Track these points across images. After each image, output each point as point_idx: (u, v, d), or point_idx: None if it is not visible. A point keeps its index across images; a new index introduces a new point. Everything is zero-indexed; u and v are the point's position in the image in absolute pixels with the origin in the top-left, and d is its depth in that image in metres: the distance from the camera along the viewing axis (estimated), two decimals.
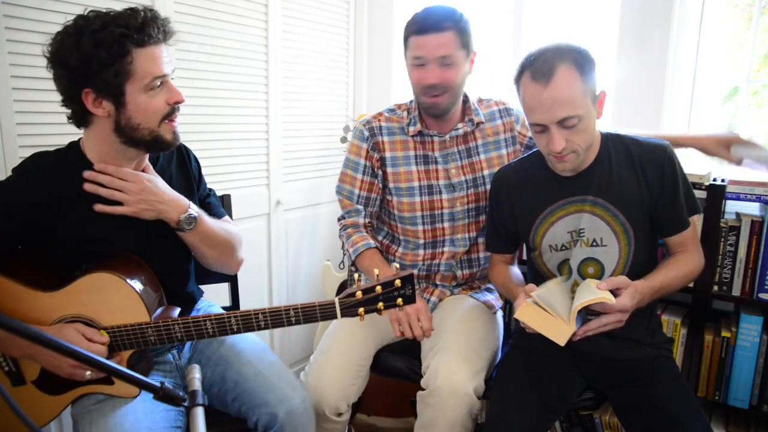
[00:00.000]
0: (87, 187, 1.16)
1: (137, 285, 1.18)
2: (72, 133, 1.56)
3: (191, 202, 1.28)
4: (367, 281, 1.18)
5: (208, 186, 1.48)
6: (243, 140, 2.10)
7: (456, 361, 1.39)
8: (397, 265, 1.21)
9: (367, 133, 1.62)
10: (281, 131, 2.24)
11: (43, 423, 1.23)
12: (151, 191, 1.20)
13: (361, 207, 1.65)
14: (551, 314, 1.18)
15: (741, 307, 1.69)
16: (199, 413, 0.80)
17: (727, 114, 2.10)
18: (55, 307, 1.16)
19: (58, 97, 1.38)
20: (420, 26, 1.45)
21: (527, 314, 1.21)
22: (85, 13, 1.10)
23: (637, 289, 1.22)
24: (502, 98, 1.70)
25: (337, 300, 1.19)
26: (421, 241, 1.64)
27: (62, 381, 1.18)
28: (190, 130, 1.83)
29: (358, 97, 2.61)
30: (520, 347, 1.48)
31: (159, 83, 1.14)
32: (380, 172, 1.63)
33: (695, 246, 1.37)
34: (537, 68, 1.22)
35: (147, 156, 1.28)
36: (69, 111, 1.16)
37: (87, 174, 1.16)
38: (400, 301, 1.19)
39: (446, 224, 1.62)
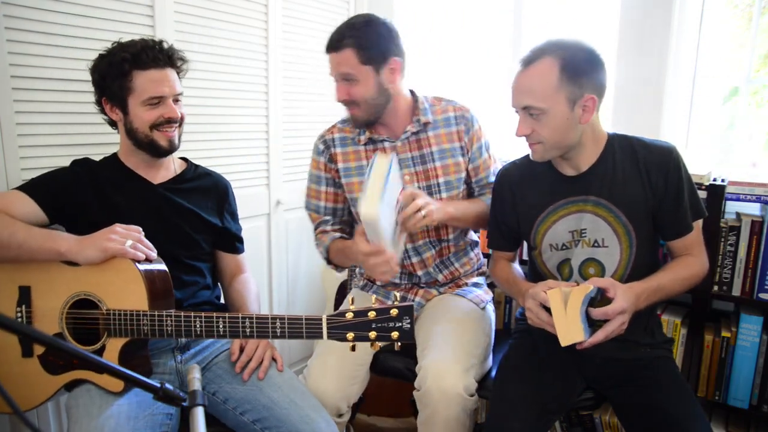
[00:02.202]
0: None
1: (146, 273, 1.21)
2: (72, 133, 1.58)
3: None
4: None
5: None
6: (243, 140, 2.10)
7: (444, 362, 1.39)
8: (398, 294, 1.19)
9: (322, 147, 1.64)
10: (281, 131, 2.24)
11: (37, 401, 1.28)
12: None
13: (329, 217, 1.65)
14: (574, 314, 1.18)
15: (741, 307, 1.69)
16: (199, 413, 0.80)
17: (727, 114, 2.11)
18: (73, 281, 1.24)
19: (57, 97, 1.56)
20: (327, 44, 1.50)
21: (555, 299, 1.19)
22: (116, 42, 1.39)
23: (631, 288, 1.22)
24: (465, 104, 1.65)
25: (324, 318, 1.14)
26: None
27: (60, 362, 1.25)
28: (190, 130, 1.83)
29: None
30: (520, 347, 1.48)
31: (156, 101, 1.35)
32: (341, 183, 1.64)
33: (699, 250, 1.37)
34: (525, 55, 1.28)
35: (165, 163, 1.46)
36: (105, 118, 1.44)
37: None
38: (395, 334, 1.11)
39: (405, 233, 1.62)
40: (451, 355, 1.41)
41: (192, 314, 1.19)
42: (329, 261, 1.64)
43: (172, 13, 1.78)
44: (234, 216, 1.59)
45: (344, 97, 1.50)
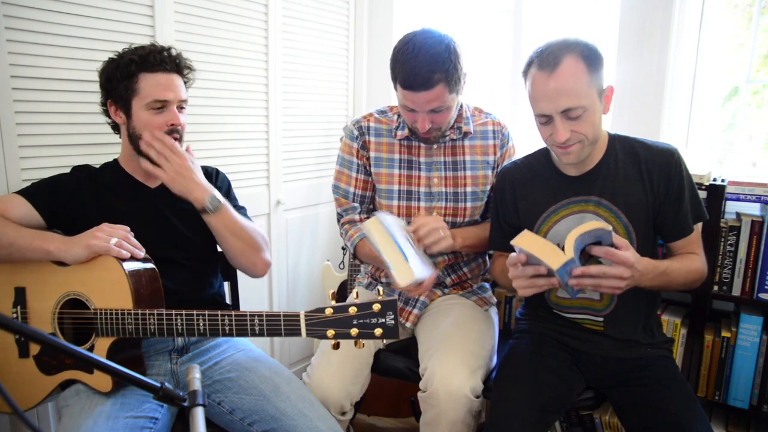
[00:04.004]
0: (142, 145, 1.35)
1: (130, 272, 1.20)
2: (72, 134, 1.58)
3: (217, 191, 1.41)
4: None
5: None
6: (243, 140, 2.10)
7: (452, 364, 1.39)
8: (381, 288, 1.15)
9: (356, 132, 1.64)
10: (281, 131, 2.24)
11: (34, 401, 1.29)
12: (188, 169, 1.37)
13: (357, 204, 1.66)
14: (549, 242, 1.17)
15: (741, 307, 1.69)
16: (199, 413, 0.80)
17: (727, 114, 2.11)
18: (63, 281, 1.25)
19: (57, 97, 1.56)
20: (408, 82, 1.38)
21: (525, 240, 1.19)
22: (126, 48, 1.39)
23: (642, 260, 1.21)
24: (501, 120, 1.66)
25: (302, 314, 1.10)
26: None
27: (53, 362, 1.26)
28: (190, 130, 1.83)
29: (358, 97, 2.61)
30: (521, 347, 1.47)
31: (160, 106, 1.34)
32: (370, 171, 1.65)
33: (699, 251, 1.37)
34: (543, 59, 1.24)
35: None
36: (109, 121, 1.43)
37: (147, 135, 1.35)
38: (378, 331, 1.06)
39: None
40: (458, 357, 1.41)
41: (173, 312, 1.18)
42: (355, 255, 1.66)
43: (172, 13, 1.78)
44: (229, 197, 1.55)
45: (430, 126, 1.47)
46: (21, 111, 1.47)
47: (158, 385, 0.81)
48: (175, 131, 1.37)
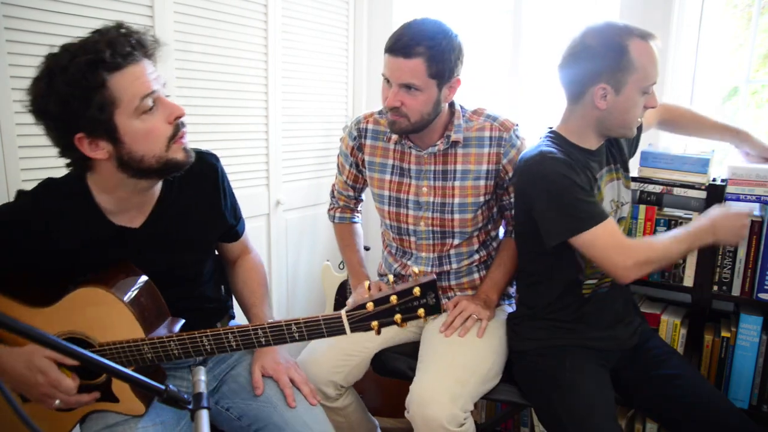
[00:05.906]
0: None
1: (129, 299, 1.11)
2: None
3: None
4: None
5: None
6: (243, 140, 2.10)
7: (429, 391, 1.34)
8: (391, 277, 1.10)
9: (355, 133, 1.65)
10: (281, 131, 2.24)
11: None
12: None
13: (346, 192, 1.79)
14: None
15: (741, 307, 1.69)
16: (204, 416, 0.80)
17: (727, 114, 2.11)
18: (47, 323, 1.11)
19: None
20: (390, 44, 1.35)
21: None
22: (54, 51, 1.00)
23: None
24: (507, 121, 1.52)
25: (344, 313, 1.06)
26: (395, 246, 1.70)
27: None
28: (190, 131, 1.82)
29: (357, 97, 2.61)
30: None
31: (151, 102, 1.03)
32: (363, 170, 1.69)
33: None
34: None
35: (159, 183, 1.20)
36: (68, 160, 1.08)
37: None
38: (421, 311, 1.04)
39: (412, 238, 1.62)
40: (438, 382, 1.35)
41: (196, 334, 1.08)
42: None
43: (171, 13, 1.77)
44: (233, 207, 1.38)
45: (397, 105, 1.38)
46: (21, 111, 1.46)
47: (163, 387, 0.80)
48: (181, 122, 1.10)
